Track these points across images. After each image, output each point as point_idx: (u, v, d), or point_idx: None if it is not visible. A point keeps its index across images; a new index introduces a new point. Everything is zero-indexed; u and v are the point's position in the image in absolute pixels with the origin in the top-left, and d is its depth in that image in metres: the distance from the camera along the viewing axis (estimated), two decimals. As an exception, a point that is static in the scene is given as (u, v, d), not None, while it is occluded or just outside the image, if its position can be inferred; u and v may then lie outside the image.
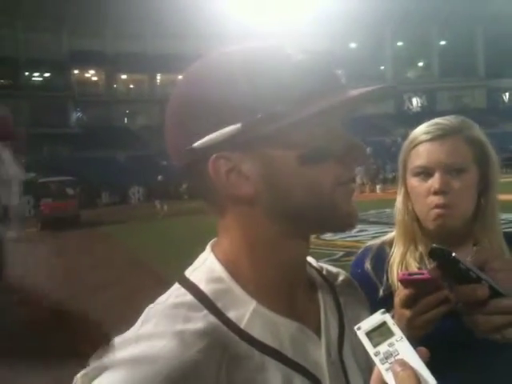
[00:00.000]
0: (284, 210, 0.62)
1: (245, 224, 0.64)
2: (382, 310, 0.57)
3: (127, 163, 33.29)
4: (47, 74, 40.41)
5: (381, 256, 1.20)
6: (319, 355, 0.65)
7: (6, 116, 1.20)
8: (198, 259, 0.68)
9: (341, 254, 8.34)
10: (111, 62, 39.73)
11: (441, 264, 0.72)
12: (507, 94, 49.14)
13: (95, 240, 14.76)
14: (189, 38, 37.85)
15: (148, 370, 0.52)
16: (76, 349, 0.63)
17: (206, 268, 0.65)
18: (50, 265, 11.31)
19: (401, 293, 0.83)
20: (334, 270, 0.82)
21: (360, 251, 1.27)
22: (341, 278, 0.81)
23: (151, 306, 0.63)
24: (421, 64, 50.14)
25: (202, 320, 0.59)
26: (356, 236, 9.08)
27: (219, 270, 0.64)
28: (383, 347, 0.54)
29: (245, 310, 0.61)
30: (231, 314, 0.60)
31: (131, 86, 43.65)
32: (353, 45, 46.78)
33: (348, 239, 8.86)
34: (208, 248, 0.68)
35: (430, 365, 0.53)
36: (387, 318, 0.56)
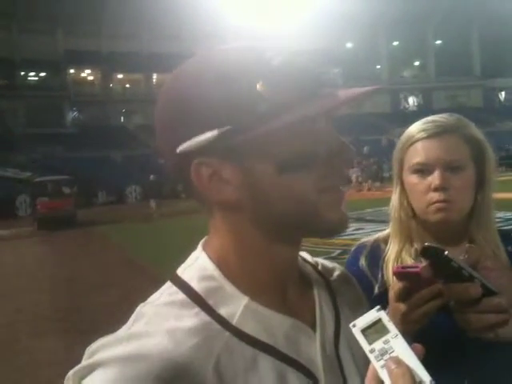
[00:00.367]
0: (267, 217, 0.62)
1: (231, 227, 0.64)
2: (378, 307, 0.57)
3: (123, 162, 33.24)
4: (43, 74, 40.30)
5: (375, 253, 1.21)
6: (314, 350, 0.64)
7: None
8: (189, 257, 0.68)
9: (338, 251, 8.39)
10: (107, 62, 39.64)
11: (433, 262, 0.72)
12: (503, 93, 49.29)
13: (92, 239, 14.74)
14: (184, 38, 37.85)
15: (140, 368, 0.52)
16: None
17: (197, 266, 0.65)
18: (46, 264, 11.28)
19: (395, 286, 0.83)
20: (329, 265, 0.82)
21: (353, 248, 1.27)
22: (336, 273, 0.80)
23: (143, 304, 0.63)
24: (417, 63, 50.24)
25: (193, 318, 0.59)
26: (353, 234, 9.11)
27: (211, 267, 0.64)
28: (378, 344, 0.54)
29: (237, 307, 0.61)
30: (223, 311, 0.60)
31: (127, 86, 43.56)
32: (349, 44, 46.82)
33: (345, 237, 8.86)
34: (199, 246, 0.68)
35: (425, 361, 0.53)
36: (382, 315, 0.56)
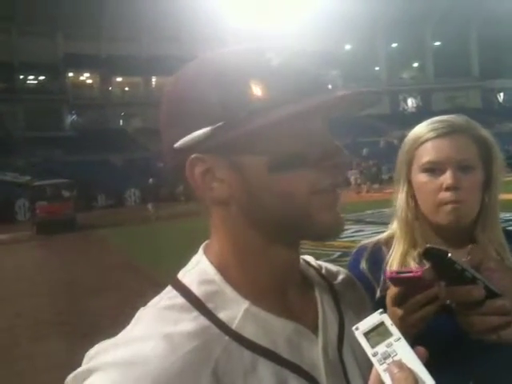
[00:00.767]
0: (260, 217, 0.62)
1: (227, 227, 0.64)
2: (380, 310, 0.57)
3: (123, 166, 33.22)
4: (42, 78, 40.31)
5: (377, 256, 1.20)
6: (316, 354, 0.64)
7: None
8: (190, 261, 0.68)
9: (338, 254, 8.36)
10: (106, 65, 39.65)
11: (435, 264, 0.71)
12: (502, 94, 49.35)
13: (91, 243, 14.72)
14: (184, 41, 37.88)
15: (137, 372, 0.52)
16: None
17: (198, 270, 0.65)
18: (46, 268, 11.27)
19: (391, 291, 0.82)
20: (333, 268, 0.81)
21: (354, 251, 1.26)
22: (341, 276, 0.79)
23: (143, 308, 0.63)
24: (415, 65, 50.33)
25: (191, 322, 0.59)
26: (353, 236, 9.11)
27: (211, 271, 0.64)
28: (381, 348, 0.54)
29: (237, 311, 0.61)
30: (223, 315, 0.60)
31: (126, 89, 43.57)
32: (348, 46, 46.88)
33: (345, 239, 8.87)
34: (200, 250, 0.68)
35: (428, 364, 0.52)
36: (385, 318, 0.55)
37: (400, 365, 0.52)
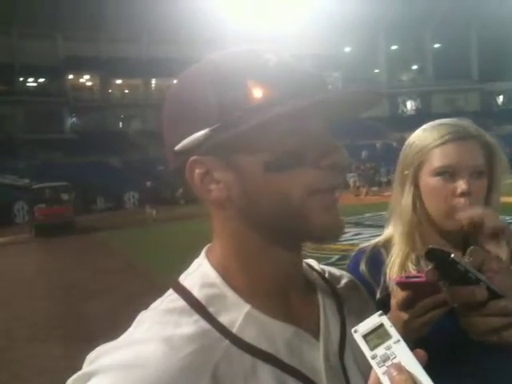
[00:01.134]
0: (258, 218, 0.61)
1: (227, 229, 0.64)
2: (380, 312, 0.56)
3: (122, 168, 33.20)
4: (42, 80, 40.32)
5: (376, 258, 1.20)
6: (317, 359, 0.63)
7: None
8: (192, 264, 0.68)
9: (336, 257, 8.37)
10: (106, 67, 39.64)
11: (438, 265, 0.71)
12: (501, 97, 49.41)
13: (90, 246, 14.70)
14: (184, 43, 37.91)
15: (137, 375, 0.53)
16: None
17: (199, 273, 0.65)
18: (44, 271, 11.25)
19: (398, 295, 0.82)
20: (337, 272, 0.81)
21: (353, 254, 1.26)
22: (344, 280, 0.79)
23: (144, 311, 0.63)
24: (415, 67, 50.34)
25: (192, 325, 0.58)
26: (352, 239, 9.14)
27: (212, 275, 0.64)
28: (380, 350, 0.53)
29: (238, 315, 0.61)
30: (223, 319, 0.60)
31: (126, 91, 43.58)
32: (347, 49, 46.91)
33: (343, 242, 8.86)
34: (202, 253, 0.68)
35: (427, 367, 0.52)
36: (384, 320, 0.55)
37: (399, 367, 0.51)
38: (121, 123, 41.91)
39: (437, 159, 1.12)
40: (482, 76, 46.96)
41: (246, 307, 0.62)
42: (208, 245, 0.69)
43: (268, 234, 0.62)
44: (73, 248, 14.60)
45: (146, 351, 0.55)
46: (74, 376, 0.56)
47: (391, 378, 0.51)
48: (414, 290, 0.79)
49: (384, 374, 0.52)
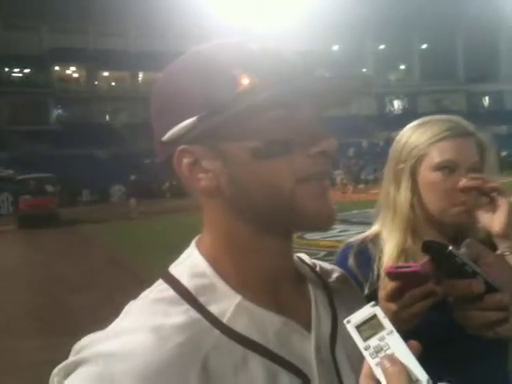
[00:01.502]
0: (247, 207, 0.61)
1: (217, 219, 0.64)
2: (372, 302, 0.55)
3: (108, 161, 33.00)
4: (27, 71, 39.82)
5: (364, 253, 1.20)
6: (308, 350, 0.63)
7: None
8: (182, 254, 0.67)
9: (323, 253, 8.39)
10: (93, 59, 39.30)
11: (435, 258, 0.71)
12: (487, 98, 49.92)
13: (74, 238, 14.59)
14: (171, 37, 37.69)
15: (124, 365, 0.52)
16: None
17: (189, 263, 0.64)
18: (28, 263, 11.14)
19: (387, 286, 0.82)
20: (328, 266, 0.81)
21: (341, 249, 1.26)
22: (335, 274, 0.79)
23: (133, 301, 0.63)
24: (402, 67, 50.67)
25: (181, 315, 0.58)
26: (338, 236, 9.16)
27: (203, 264, 0.63)
28: (373, 341, 0.52)
29: (228, 305, 0.60)
30: (214, 309, 0.59)
31: (113, 84, 43.24)
32: (335, 47, 47.06)
33: (330, 239, 8.92)
34: (193, 243, 0.68)
35: (420, 358, 0.51)
36: (378, 310, 0.54)
37: (392, 359, 0.50)
38: (107, 116, 41.61)
39: (437, 154, 1.12)
40: (468, 77, 47.43)
41: (237, 298, 0.61)
42: (198, 235, 0.68)
43: (258, 223, 0.62)
44: (56, 240, 14.48)
45: (134, 341, 0.54)
46: (60, 365, 0.56)
47: (384, 370, 0.50)
48: (404, 280, 0.79)
49: (377, 365, 0.51)
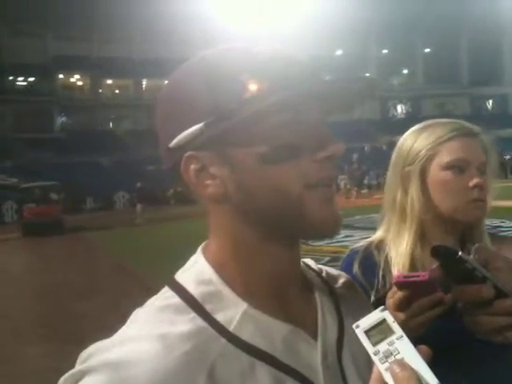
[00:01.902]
0: (254, 213, 0.61)
1: (224, 226, 0.63)
2: (382, 307, 0.55)
3: (112, 168, 33.04)
4: (32, 79, 40.01)
5: (369, 259, 1.18)
6: (314, 358, 0.62)
7: None
8: (188, 261, 0.67)
9: (327, 259, 8.37)
10: (96, 67, 39.45)
11: (444, 263, 0.70)
12: (490, 101, 49.81)
13: (79, 246, 14.60)
14: (175, 44, 37.80)
15: (129, 374, 0.52)
16: None
17: (195, 270, 0.64)
18: (33, 271, 11.16)
19: (395, 295, 0.82)
20: (334, 272, 0.80)
21: (346, 255, 1.24)
22: (341, 280, 0.78)
23: (139, 308, 0.62)
24: (405, 71, 50.64)
25: (188, 323, 0.58)
26: (342, 241, 9.13)
27: (209, 272, 0.63)
28: (383, 346, 0.52)
29: (235, 313, 0.60)
30: (220, 317, 0.59)
31: (116, 91, 43.40)
32: (339, 52, 47.09)
33: (334, 244, 8.88)
34: (199, 250, 0.67)
35: (431, 363, 0.51)
36: (387, 315, 0.53)
37: (402, 364, 0.50)
38: (111, 123, 41.73)
39: (447, 153, 1.12)
40: (471, 81, 47.34)
41: (243, 305, 0.61)
42: (205, 242, 0.68)
43: (265, 229, 0.61)
44: (61, 248, 14.49)
45: (140, 349, 0.54)
46: (67, 374, 0.55)
47: (394, 375, 0.49)
48: (412, 290, 0.78)
49: (386, 370, 0.50)
